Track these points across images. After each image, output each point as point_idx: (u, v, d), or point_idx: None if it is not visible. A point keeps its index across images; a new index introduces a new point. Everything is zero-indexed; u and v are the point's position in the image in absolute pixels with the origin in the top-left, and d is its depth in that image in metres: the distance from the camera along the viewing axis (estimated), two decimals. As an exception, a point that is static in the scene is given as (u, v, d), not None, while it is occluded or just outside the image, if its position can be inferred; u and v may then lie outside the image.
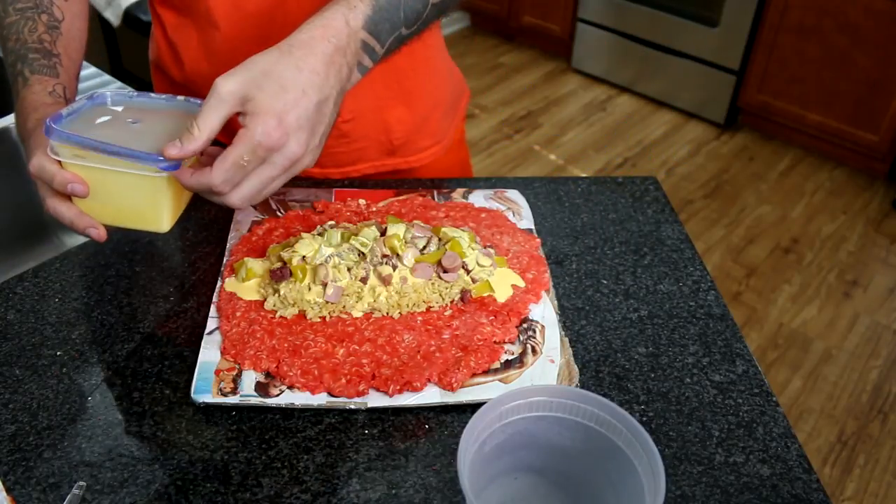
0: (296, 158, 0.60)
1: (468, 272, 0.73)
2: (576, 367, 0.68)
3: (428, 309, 0.71)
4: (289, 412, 0.64)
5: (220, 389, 0.63)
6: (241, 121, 0.58)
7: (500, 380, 0.66)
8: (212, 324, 0.70)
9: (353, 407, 0.63)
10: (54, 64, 0.74)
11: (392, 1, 0.64)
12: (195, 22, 0.86)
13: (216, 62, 0.85)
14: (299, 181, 0.92)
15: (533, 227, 0.85)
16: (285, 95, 0.57)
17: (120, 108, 0.66)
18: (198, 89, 0.89)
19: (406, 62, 0.88)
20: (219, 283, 0.74)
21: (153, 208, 0.62)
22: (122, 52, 2.55)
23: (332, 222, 0.77)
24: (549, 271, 0.78)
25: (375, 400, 0.64)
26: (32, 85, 0.72)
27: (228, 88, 0.57)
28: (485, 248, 0.77)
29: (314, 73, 0.58)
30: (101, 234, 0.65)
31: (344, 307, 0.70)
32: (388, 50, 0.66)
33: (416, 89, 0.94)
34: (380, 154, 0.96)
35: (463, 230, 0.77)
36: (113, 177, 0.60)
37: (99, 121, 0.64)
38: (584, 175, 2.69)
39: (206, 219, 0.85)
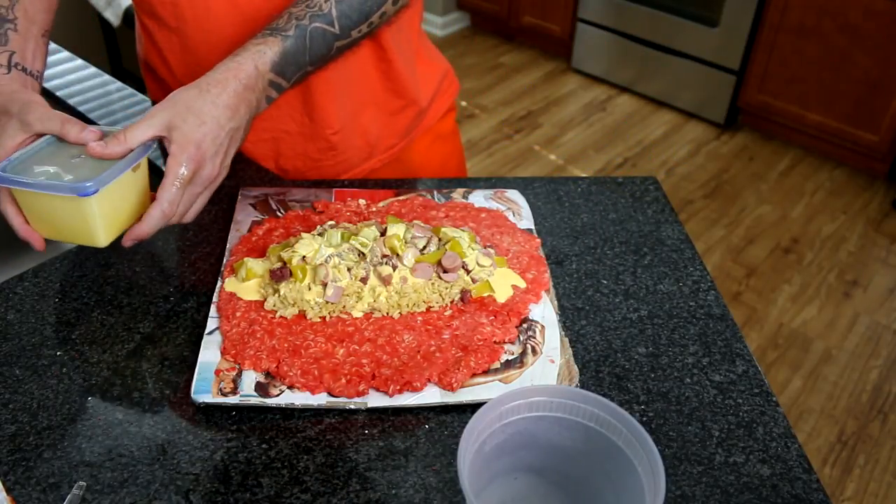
0: (213, 177, 0.71)
1: (468, 272, 0.73)
2: (576, 367, 0.68)
3: (428, 309, 0.71)
4: (289, 412, 0.64)
5: (220, 389, 0.63)
6: (168, 148, 0.69)
7: (500, 380, 0.66)
8: (212, 324, 0.70)
9: (353, 407, 0.63)
10: (6, 31, 0.77)
11: (298, 48, 0.74)
12: (179, 35, 0.86)
13: (205, 65, 0.86)
14: (299, 181, 0.92)
15: (533, 227, 0.85)
16: (203, 127, 0.69)
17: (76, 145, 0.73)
18: None
19: (370, 65, 0.92)
20: (219, 284, 0.74)
21: (86, 226, 0.69)
22: (122, 52, 2.55)
23: (332, 222, 0.77)
24: (549, 271, 0.78)
25: (375, 400, 0.64)
26: None
27: (159, 117, 0.69)
28: (485, 248, 0.77)
29: (227, 108, 0.70)
30: (40, 245, 0.71)
31: (344, 307, 0.70)
32: (296, 82, 0.78)
33: (383, 89, 0.96)
34: (360, 160, 0.99)
35: (463, 230, 0.77)
36: (47, 200, 0.67)
37: (47, 156, 0.70)
38: (584, 175, 2.69)
39: (206, 219, 0.85)
